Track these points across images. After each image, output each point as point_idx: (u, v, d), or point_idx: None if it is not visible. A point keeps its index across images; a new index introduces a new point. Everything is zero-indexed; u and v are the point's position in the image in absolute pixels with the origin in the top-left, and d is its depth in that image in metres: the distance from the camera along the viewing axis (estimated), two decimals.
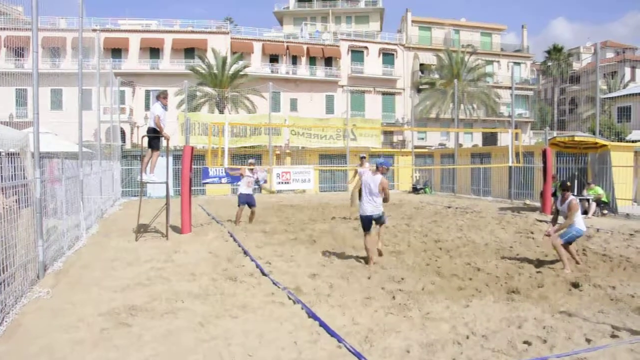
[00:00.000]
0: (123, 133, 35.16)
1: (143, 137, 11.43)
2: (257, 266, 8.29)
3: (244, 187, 13.50)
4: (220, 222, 14.04)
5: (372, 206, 8.53)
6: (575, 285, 7.06)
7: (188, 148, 12.22)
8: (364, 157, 15.21)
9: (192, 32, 44.79)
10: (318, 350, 4.67)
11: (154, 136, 11.27)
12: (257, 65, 45.19)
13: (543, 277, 7.56)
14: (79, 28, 11.90)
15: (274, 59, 46.73)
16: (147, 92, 41.40)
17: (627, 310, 5.89)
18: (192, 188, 13.74)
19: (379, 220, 8.77)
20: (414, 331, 5.18)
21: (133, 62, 42.87)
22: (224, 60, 38.26)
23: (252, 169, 13.72)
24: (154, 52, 43.62)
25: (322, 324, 5.33)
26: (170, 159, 19.53)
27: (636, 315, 5.70)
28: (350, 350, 4.61)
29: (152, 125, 11.14)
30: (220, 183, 25.34)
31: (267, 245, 10.46)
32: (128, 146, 35.72)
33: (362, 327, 5.28)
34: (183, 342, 4.86)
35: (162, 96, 11.40)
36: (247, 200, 13.52)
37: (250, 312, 5.86)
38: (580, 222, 8.39)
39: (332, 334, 5.06)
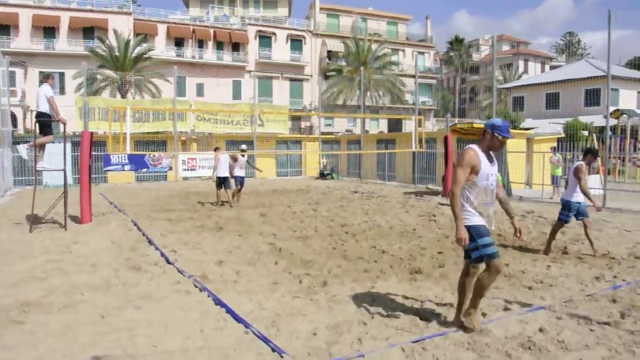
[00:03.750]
0: (14, 118, 32.86)
1: (35, 122, 10.72)
2: (162, 255, 8.07)
3: (238, 170, 14.83)
4: (123, 210, 13.53)
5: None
6: None
7: (87, 134, 11.62)
8: (218, 148, 16.09)
9: (92, 11, 42.32)
10: (225, 337, 4.62)
11: (46, 121, 10.61)
12: (161, 48, 43.79)
13: (444, 258, 7.92)
14: None
15: (179, 42, 45.43)
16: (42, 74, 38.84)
17: (519, 285, 6.31)
18: (93, 176, 13.14)
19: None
20: (320, 314, 5.25)
21: (24, 40, 39.90)
22: (127, 42, 36.74)
23: (243, 154, 15.08)
24: (49, 30, 40.82)
25: (229, 311, 5.29)
26: (69, 145, 18.52)
27: (525, 290, 6.12)
28: (257, 335, 4.60)
29: (43, 109, 10.45)
30: (123, 170, 24.39)
31: (172, 233, 10.20)
32: (20, 131, 33.49)
33: (269, 312, 5.28)
34: (83, 337, 4.63)
35: (49, 78, 10.78)
36: (241, 182, 15.01)
37: (154, 301, 5.70)
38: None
39: (238, 320, 5.02)
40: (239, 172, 14.89)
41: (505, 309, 5.37)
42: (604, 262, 7.59)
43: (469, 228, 4.54)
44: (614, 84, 27.68)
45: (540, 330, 4.66)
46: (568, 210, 8.37)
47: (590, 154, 8.58)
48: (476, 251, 4.56)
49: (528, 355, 4.18)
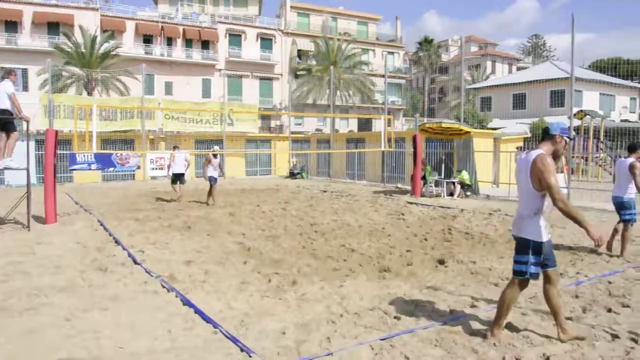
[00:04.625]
0: None
1: None
2: (129, 255, 7.95)
3: (212, 171, 14.95)
4: (89, 210, 13.28)
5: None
6: (441, 261, 7.56)
7: (51, 132, 11.38)
8: (177, 147, 16.35)
9: (57, 5, 41.19)
10: (193, 338, 4.58)
11: (8, 118, 10.33)
12: (129, 45, 43.02)
13: (412, 256, 7.99)
14: None
15: (147, 39, 44.73)
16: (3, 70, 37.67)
17: (485, 282, 6.41)
18: (58, 175, 12.88)
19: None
20: (289, 313, 5.25)
21: None
22: (93, 38, 35.97)
23: (215, 155, 15.16)
24: (11, 25, 39.54)
25: (197, 311, 5.24)
26: (32, 143, 18.10)
27: (492, 286, 6.21)
28: (225, 335, 4.58)
29: (4, 106, 10.17)
30: (90, 169, 23.93)
31: (140, 233, 10.06)
32: None
33: (237, 312, 5.26)
34: (46, 340, 4.53)
35: (11, 74, 10.52)
36: (215, 181, 15.14)
37: (121, 303, 5.61)
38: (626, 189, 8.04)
39: (207, 320, 4.99)
40: (212, 172, 14.96)
41: (472, 305, 5.45)
42: (567, 259, 7.77)
43: (535, 242, 4.23)
44: (577, 86, 28.32)
45: (506, 326, 4.74)
46: (628, 208, 7.95)
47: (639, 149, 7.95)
48: (524, 265, 4.27)
49: (494, 351, 4.25)
